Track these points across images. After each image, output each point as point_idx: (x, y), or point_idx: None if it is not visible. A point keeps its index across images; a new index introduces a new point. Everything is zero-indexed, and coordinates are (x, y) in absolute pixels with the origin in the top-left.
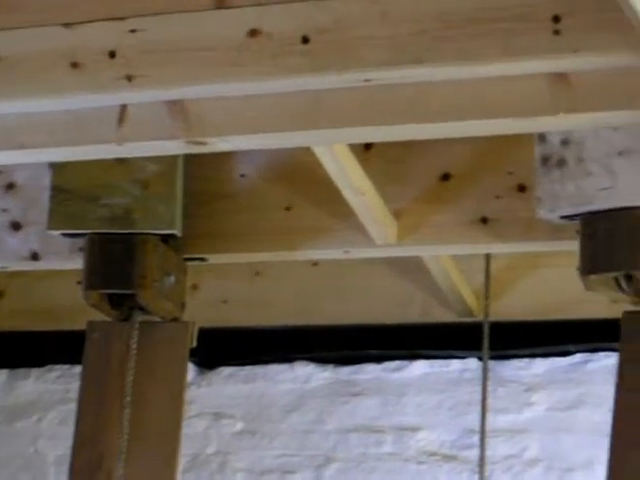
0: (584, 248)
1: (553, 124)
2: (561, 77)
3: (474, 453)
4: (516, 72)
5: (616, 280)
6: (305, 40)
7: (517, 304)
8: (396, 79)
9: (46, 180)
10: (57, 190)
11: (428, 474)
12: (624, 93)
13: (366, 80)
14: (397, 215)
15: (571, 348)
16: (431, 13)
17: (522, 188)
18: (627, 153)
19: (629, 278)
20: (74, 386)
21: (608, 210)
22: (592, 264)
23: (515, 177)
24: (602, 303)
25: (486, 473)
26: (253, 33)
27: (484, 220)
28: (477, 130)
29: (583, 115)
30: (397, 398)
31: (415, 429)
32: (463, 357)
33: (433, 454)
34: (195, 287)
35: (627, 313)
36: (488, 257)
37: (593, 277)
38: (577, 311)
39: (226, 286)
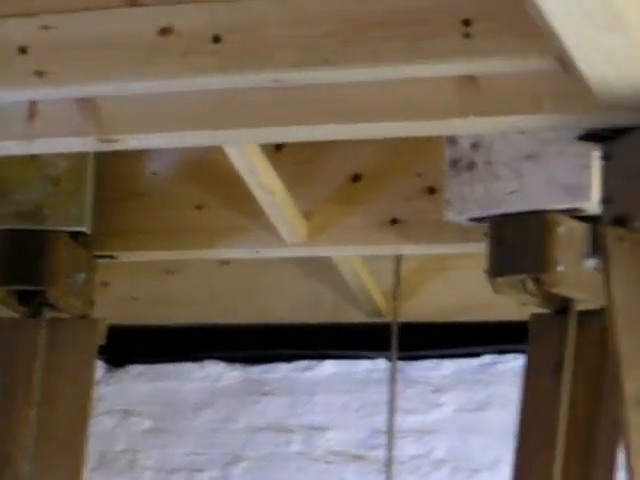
0: (492, 251)
1: (462, 127)
2: (471, 80)
3: (382, 453)
4: (426, 75)
5: (523, 283)
6: (216, 39)
7: (426, 305)
8: (305, 80)
9: None
10: None
11: (336, 474)
12: (532, 97)
13: (275, 81)
14: (307, 215)
15: (479, 350)
16: (341, 15)
17: (432, 190)
18: (534, 157)
19: (536, 281)
20: None
21: (516, 213)
22: (499, 267)
23: (425, 179)
24: (511, 305)
25: (393, 473)
26: (164, 31)
27: (393, 221)
28: (387, 132)
29: (491, 119)
30: (306, 398)
31: (324, 429)
32: (372, 357)
33: (341, 454)
34: (106, 284)
35: (534, 315)
36: (398, 258)
37: (500, 280)
38: (486, 313)
39: (137, 284)
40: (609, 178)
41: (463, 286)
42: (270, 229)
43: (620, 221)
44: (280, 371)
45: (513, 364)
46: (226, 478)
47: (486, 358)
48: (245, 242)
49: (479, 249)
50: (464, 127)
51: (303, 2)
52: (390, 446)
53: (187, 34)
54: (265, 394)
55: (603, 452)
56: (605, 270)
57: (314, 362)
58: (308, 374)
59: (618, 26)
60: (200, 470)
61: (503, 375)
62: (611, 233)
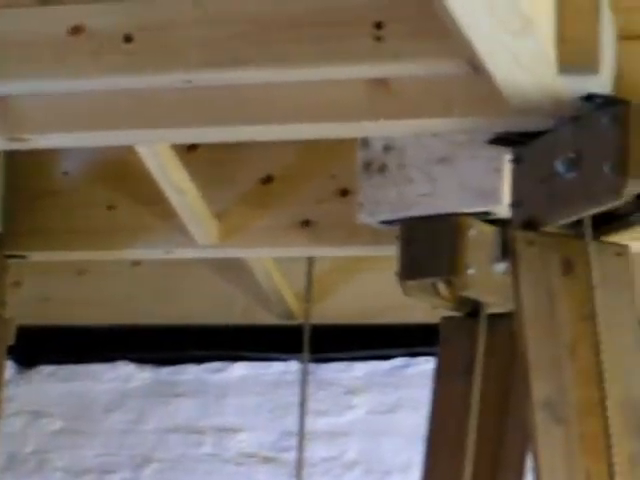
0: (403, 253)
1: (373, 129)
2: (382, 83)
3: (293, 455)
4: (337, 77)
5: (434, 286)
6: (127, 39)
7: (339, 307)
8: (217, 81)
9: None
10: None
11: (246, 476)
12: (443, 100)
13: (186, 81)
14: (219, 217)
15: (391, 352)
16: (252, 16)
17: (344, 192)
18: (447, 160)
19: (447, 284)
20: None
21: (427, 216)
22: (410, 269)
23: (338, 181)
24: (423, 308)
25: (304, 475)
26: (76, 30)
27: (306, 223)
28: (298, 134)
29: (402, 121)
30: (217, 399)
31: (235, 430)
32: (284, 359)
33: (252, 456)
34: (17, 284)
35: (445, 319)
36: (310, 260)
37: (411, 282)
38: (398, 315)
39: (49, 284)
40: (519, 182)
41: (375, 289)
42: (181, 230)
43: (530, 225)
44: (191, 372)
45: (424, 367)
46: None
47: (398, 361)
48: (156, 243)
49: (391, 252)
50: (375, 129)
51: (215, 2)
52: (301, 448)
53: (98, 33)
54: (176, 395)
55: (512, 454)
56: (514, 274)
57: (226, 364)
58: (219, 376)
59: (527, 30)
60: (111, 471)
61: (414, 378)
62: (520, 237)
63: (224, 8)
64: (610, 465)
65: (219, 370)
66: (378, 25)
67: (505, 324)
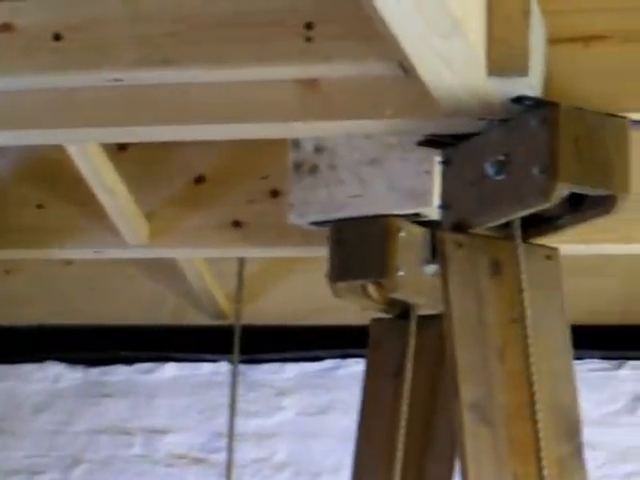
0: (333, 255)
1: (303, 130)
2: (312, 84)
3: (223, 456)
4: (268, 77)
5: (363, 287)
6: (57, 37)
7: (270, 308)
8: (147, 80)
9: None
10: None
11: (176, 477)
12: (374, 102)
13: (116, 80)
14: (150, 217)
15: (322, 354)
16: (183, 15)
17: (275, 193)
18: (378, 162)
19: (377, 285)
20: None
21: (357, 218)
22: (340, 271)
23: (269, 182)
24: (353, 310)
25: (234, 477)
26: (5, 28)
27: (236, 224)
28: (227, 134)
29: (332, 123)
30: (147, 400)
31: (165, 432)
32: (214, 360)
33: (182, 457)
34: None
35: (374, 321)
36: (241, 261)
37: (341, 284)
38: (329, 317)
39: None
40: (448, 184)
41: (306, 290)
42: (111, 230)
43: (459, 227)
44: (121, 373)
45: (355, 368)
46: None
47: (328, 362)
48: (85, 242)
49: (322, 253)
50: (305, 130)
51: (146, 1)
52: (230, 449)
53: (28, 31)
54: (105, 396)
55: (440, 457)
56: (443, 276)
57: (156, 364)
58: (149, 376)
59: (457, 32)
60: (40, 472)
61: (345, 379)
62: (449, 239)
63: (155, 6)
64: (539, 469)
65: (149, 371)
66: (308, 26)
67: (435, 326)
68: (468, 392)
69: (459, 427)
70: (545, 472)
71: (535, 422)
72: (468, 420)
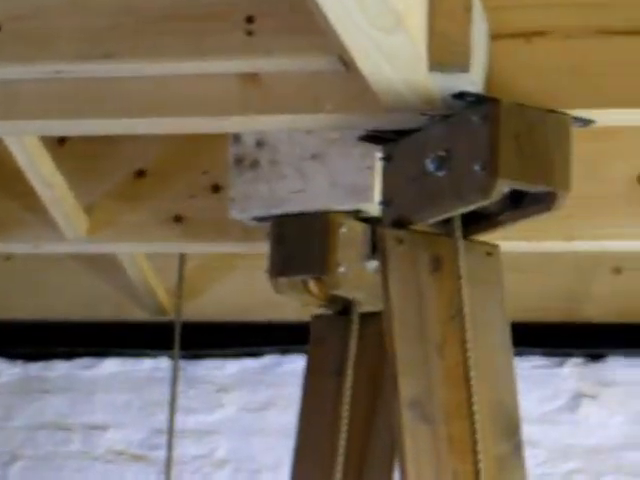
0: (273, 251)
1: (244, 125)
2: (253, 78)
3: (163, 453)
4: (209, 71)
5: (304, 283)
6: None
7: (211, 304)
8: (88, 73)
9: None
10: None
11: (116, 473)
12: (315, 96)
13: (57, 72)
14: (89, 211)
15: (263, 350)
16: (124, 8)
17: (217, 188)
18: (319, 157)
19: (317, 281)
20: None
21: (298, 213)
22: (281, 267)
23: (210, 177)
24: (295, 306)
25: (174, 473)
26: None
27: (177, 219)
28: (168, 127)
29: (273, 117)
30: (87, 396)
31: (104, 428)
32: (155, 356)
33: (121, 453)
34: None
35: (315, 317)
36: (182, 256)
37: (282, 280)
38: (270, 313)
39: None
40: (389, 180)
41: (248, 285)
42: (50, 224)
43: (399, 223)
44: (60, 369)
45: (296, 365)
46: (4, 477)
47: (269, 359)
48: (24, 236)
49: (263, 249)
50: (245, 125)
51: None
52: (170, 446)
53: None
54: (45, 392)
55: (380, 454)
56: (383, 272)
57: (95, 360)
58: (89, 372)
59: (398, 27)
60: None
61: (286, 376)
62: (390, 235)
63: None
64: (476, 467)
65: (89, 366)
66: (249, 19)
67: (377, 323)
68: (408, 389)
69: (398, 425)
70: (482, 470)
71: (472, 420)
72: (407, 418)
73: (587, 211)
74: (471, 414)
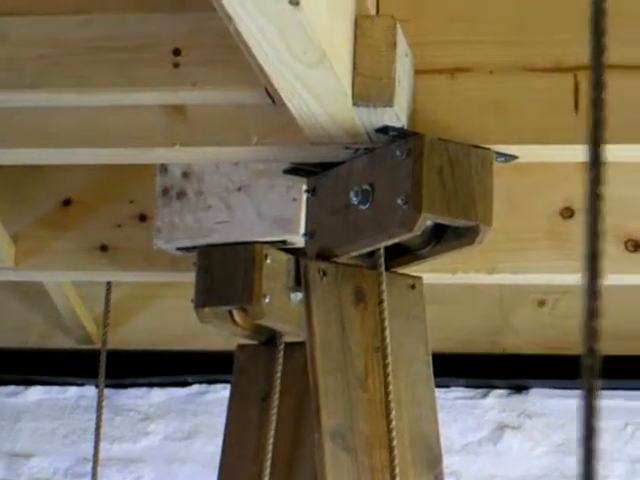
0: (199, 280)
1: (169, 156)
2: (179, 110)
3: None
4: (135, 102)
5: (230, 314)
6: None
7: (137, 333)
8: (12, 102)
9: None
10: None
11: None
12: (240, 129)
13: None
14: (16, 239)
15: (189, 379)
16: (50, 38)
17: (143, 217)
18: (245, 188)
19: (243, 312)
20: None
21: (224, 244)
22: (206, 297)
23: (136, 206)
24: (222, 335)
25: None
26: None
27: (104, 248)
28: (93, 158)
29: (199, 149)
30: (11, 424)
31: (28, 456)
32: (80, 384)
33: None
34: None
35: (240, 347)
36: (109, 285)
37: (207, 310)
38: (196, 342)
39: None
40: (313, 212)
41: (175, 315)
42: None
43: (323, 255)
44: None
45: (222, 394)
46: None
47: (195, 387)
48: None
49: (190, 278)
50: (171, 156)
51: (14, 24)
52: (95, 474)
53: None
54: None
55: None
56: (307, 303)
57: (20, 388)
58: (13, 400)
59: (322, 62)
60: None
61: (212, 405)
62: (313, 267)
63: (19, 29)
64: None
65: (13, 394)
66: (176, 52)
67: (302, 353)
68: (330, 420)
69: (320, 455)
70: None
71: (392, 452)
72: (329, 448)
73: (510, 244)
74: (391, 446)
